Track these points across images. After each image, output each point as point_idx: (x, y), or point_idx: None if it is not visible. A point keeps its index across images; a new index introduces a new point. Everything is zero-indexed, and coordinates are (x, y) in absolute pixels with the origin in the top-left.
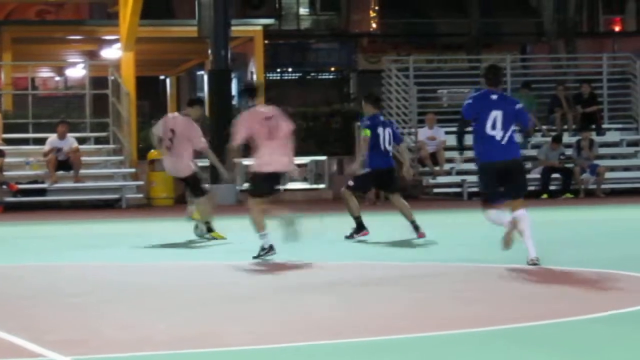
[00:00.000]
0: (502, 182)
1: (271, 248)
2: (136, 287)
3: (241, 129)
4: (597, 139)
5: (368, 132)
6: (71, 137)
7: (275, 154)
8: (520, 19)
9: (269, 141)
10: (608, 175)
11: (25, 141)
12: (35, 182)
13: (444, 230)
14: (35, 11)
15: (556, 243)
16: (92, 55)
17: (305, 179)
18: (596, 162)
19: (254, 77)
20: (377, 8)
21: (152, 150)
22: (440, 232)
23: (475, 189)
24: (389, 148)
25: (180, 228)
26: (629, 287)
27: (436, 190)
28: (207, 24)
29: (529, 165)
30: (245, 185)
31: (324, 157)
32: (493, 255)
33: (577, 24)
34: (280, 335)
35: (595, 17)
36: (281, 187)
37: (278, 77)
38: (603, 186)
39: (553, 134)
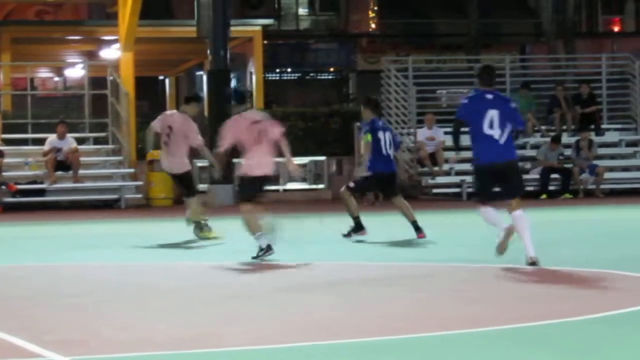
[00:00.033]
0: (497, 183)
1: (269, 248)
2: (136, 287)
3: (227, 136)
4: (596, 139)
5: (370, 136)
6: (70, 137)
7: (263, 157)
8: (519, 19)
9: (257, 145)
10: (607, 175)
11: (24, 141)
12: (35, 182)
13: (443, 231)
14: (34, 11)
15: (555, 243)
16: (91, 56)
17: (304, 179)
18: (595, 162)
19: (253, 77)
20: (376, 8)
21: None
22: (440, 232)
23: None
24: (390, 152)
25: (180, 228)
26: (628, 287)
27: (435, 190)
28: (206, 24)
29: (528, 165)
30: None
31: (323, 158)
32: (493, 256)
33: (576, 24)
34: (280, 335)
35: (594, 17)
36: (268, 189)
37: (277, 78)
38: (602, 186)
39: (552, 134)
